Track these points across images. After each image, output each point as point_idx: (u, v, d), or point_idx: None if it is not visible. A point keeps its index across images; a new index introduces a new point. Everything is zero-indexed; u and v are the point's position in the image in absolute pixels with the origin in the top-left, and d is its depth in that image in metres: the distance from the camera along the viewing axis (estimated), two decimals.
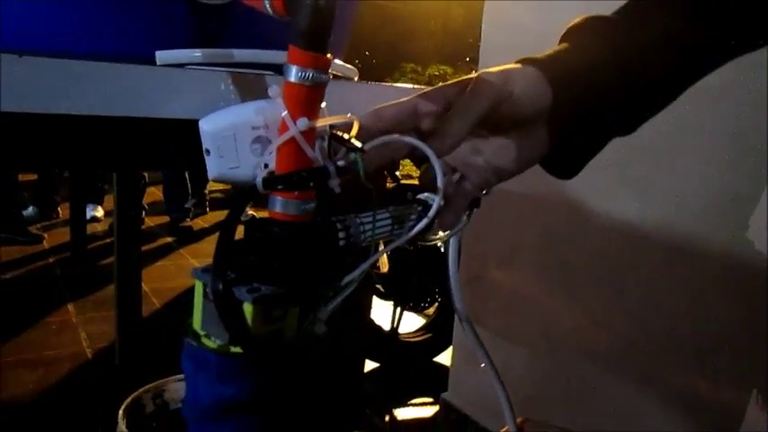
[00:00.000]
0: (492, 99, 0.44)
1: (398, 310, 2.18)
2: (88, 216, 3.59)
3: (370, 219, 0.46)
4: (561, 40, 0.50)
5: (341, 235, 0.44)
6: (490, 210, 1.51)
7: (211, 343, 0.40)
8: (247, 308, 0.39)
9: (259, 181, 0.41)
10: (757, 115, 1.01)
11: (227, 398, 0.40)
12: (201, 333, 0.41)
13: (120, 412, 1.19)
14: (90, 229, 3.49)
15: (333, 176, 0.42)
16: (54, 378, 1.98)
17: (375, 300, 2.15)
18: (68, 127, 0.52)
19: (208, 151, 0.43)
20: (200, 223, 4.03)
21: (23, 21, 0.53)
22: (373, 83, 0.64)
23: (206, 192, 4.29)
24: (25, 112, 0.48)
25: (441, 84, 0.47)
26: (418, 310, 2.30)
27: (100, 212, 3.91)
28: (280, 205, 0.42)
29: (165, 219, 3.93)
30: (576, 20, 0.50)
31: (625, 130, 0.51)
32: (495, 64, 0.47)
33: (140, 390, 1.28)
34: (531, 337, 1.48)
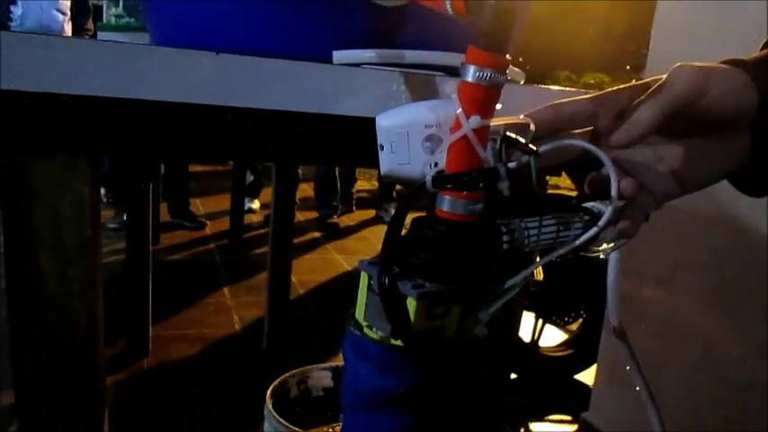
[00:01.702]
0: (686, 93, 0.41)
1: (540, 322, 2.12)
2: (246, 208, 3.83)
3: (536, 224, 0.45)
4: None
5: (505, 238, 0.43)
6: (648, 225, 1.42)
7: (373, 334, 0.41)
8: (411, 303, 0.39)
9: (429, 179, 0.42)
10: None
11: (385, 389, 0.40)
12: (364, 324, 0.42)
13: (268, 393, 1.26)
14: (247, 219, 3.73)
15: (503, 178, 0.41)
16: (208, 354, 2.14)
17: None
18: (253, 120, 0.55)
19: (382, 146, 0.44)
20: (346, 221, 4.17)
21: (218, 22, 0.58)
22: (540, 86, 0.63)
23: (353, 191, 4.43)
24: (214, 105, 0.52)
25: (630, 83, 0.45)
26: (561, 324, 2.22)
27: (256, 205, 4.17)
28: (447, 204, 0.42)
29: (315, 214, 4.11)
30: None
31: None
32: (665, 72, 0.43)
33: (286, 374, 1.35)
34: (687, 363, 1.38)
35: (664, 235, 1.43)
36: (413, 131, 0.44)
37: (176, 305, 2.49)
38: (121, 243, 2.11)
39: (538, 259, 0.47)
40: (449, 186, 0.41)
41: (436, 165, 0.43)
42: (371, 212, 4.39)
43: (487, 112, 0.40)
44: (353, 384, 0.42)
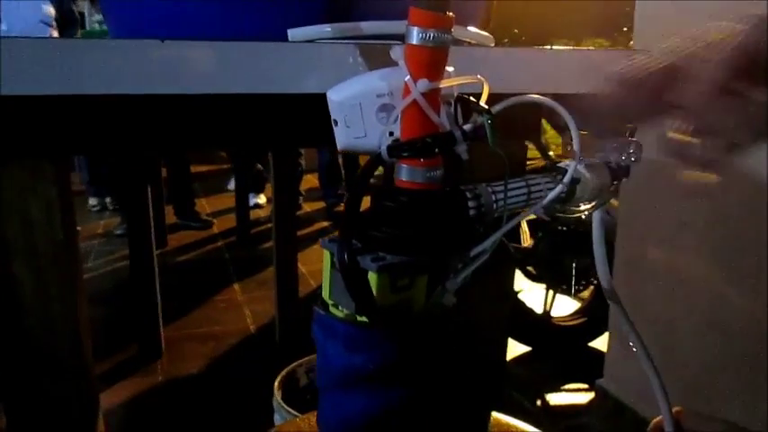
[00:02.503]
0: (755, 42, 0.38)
1: (551, 292, 2.11)
2: (251, 203, 3.83)
3: (503, 188, 0.43)
4: None
5: (471, 204, 0.42)
6: (650, 184, 1.40)
7: (339, 312, 0.40)
8: (372, 277, 0.38)
9: (383, 149, 0.40)
10: None
11: (355, 367, 0.39)
12: (330, 302, 0.41)
13: (276, 383, 1.26)
14: (253, 215, 3.72)
15: (460, 142, 0.40)
16: (222, 351, 2.15)
17: (527, 282, 2.10)
18: (213, 107, 0.54)
19: (336, 122, 0.43)
20: None
21: (166, 8, 0.57)
22: (512, 47, 0.61)
23: None
24: (170, 94, 0.51)
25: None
26: (572, 293, 2.21)
27: (262, 200, 4.17)
28: (405, 173, 0.41)
29: (321, 204, 4.10)
30: None
31: None
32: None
33: (294, 363, 1.34)
34: (697, 324, 1.36)
35: (663, 193, 1.40)
36: (365, 103, 0.42)
37: (187, 305, 2.49)
38: (128, 249, 2.11)
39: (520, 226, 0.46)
40: (405, 155, 0.40)
41: (392, 134, 0.42)
42: None
43: (436, 74, 0.39)
44: (324, 364, 0.41)
